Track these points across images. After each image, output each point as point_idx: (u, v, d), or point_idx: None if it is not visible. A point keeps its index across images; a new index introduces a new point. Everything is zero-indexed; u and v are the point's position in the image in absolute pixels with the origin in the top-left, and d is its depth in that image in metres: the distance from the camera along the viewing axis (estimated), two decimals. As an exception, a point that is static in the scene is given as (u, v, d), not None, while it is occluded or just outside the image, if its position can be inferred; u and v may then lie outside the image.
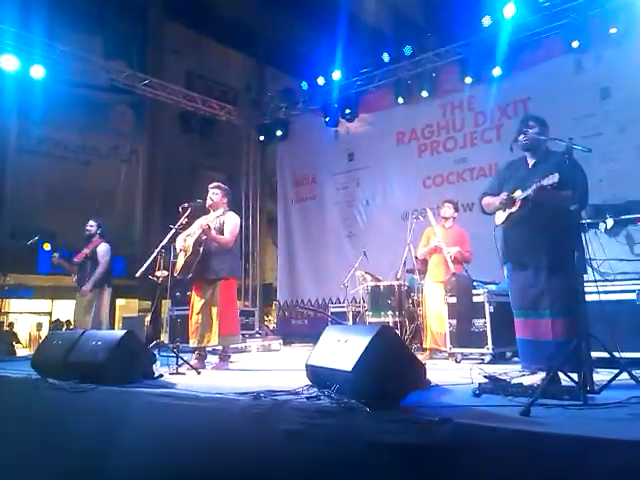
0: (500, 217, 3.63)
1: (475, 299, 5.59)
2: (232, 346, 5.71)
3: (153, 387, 3.54)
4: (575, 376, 2.91)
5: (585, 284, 3.32)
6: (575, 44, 7.92)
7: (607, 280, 4.44)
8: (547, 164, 3.40)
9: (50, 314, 16.23)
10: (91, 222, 6.88)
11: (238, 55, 17.11)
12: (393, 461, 2.28)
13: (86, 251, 6.63)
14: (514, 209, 3.49)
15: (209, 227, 5.12)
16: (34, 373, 4.19)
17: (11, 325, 14.62)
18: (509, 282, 3.67)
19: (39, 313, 16.29)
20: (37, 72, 9.09)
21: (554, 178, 3.15)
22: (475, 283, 5.77)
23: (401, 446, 2.28)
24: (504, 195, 3.53)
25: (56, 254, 6.70)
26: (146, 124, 15.22)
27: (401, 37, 10.03)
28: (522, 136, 3.59)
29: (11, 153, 12.74)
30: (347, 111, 10.54)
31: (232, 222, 5.39)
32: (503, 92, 8.70)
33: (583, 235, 3.29)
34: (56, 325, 13.88)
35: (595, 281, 3.59)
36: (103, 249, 6.66)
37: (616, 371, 3.07)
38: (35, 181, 12.99)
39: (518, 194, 3.48)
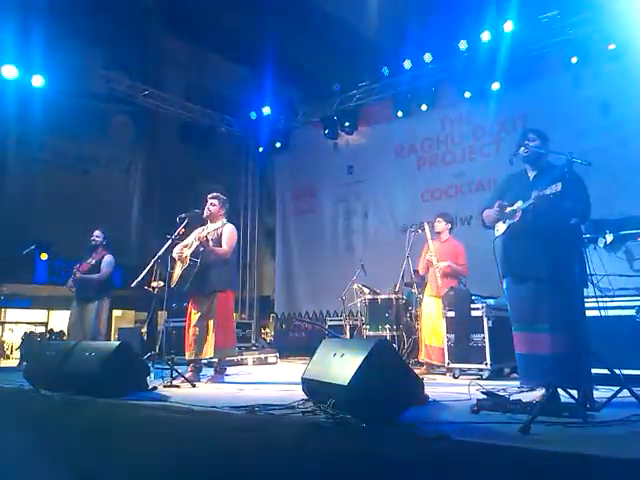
0: (500, 228, 3.60)
1: (473, 313, 5.54)
2: (228, 359, 5.66)
3: (146, 400, 3.49)
4: (575, 393, 2.87)
5: (585, 299, 3.30)
6: (574, 60, 7.97)
7: (606, 296, 4.40)
8: (548, 176, 3.37)
9: (46, 324, 16.15)
10: (97, 232, 6.78)
11: (238, 68, 17.18)
12: (390, 478, 2.23)
13: (92, 261, 6.56)
14: (515, 220, 3.46)
15: (207, 239, 5.10)
16: (26, 384, 4.14)
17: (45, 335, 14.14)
18: (508, 295, 3.63)
19: (35, 323, 16.21)
20: (37, 81, 9.11)
21: (557, 187, 3.12)
22: (474, 297, 5.72)
23: (398, 463, 2.23)
24: (496, 205, 3.52)
25: (77, 272, 6.55)
26: (145, 135, 15.22)
27: (400, 51, 10.04)
28: (523, 148, 3.57)
29: (10, 161, 12.72)
30: (346, 124, 10.57)
31: (230, 234, 5.37)
32: (502, 106, 8.74)
33: (583, 249, 3.26)
34: (50, 336, 13.77)
35: (595, 297, 3.55)
36: (108, 260, 6.57)
37: (616, 388, 3.02)
38: (33, 190, 12.96)
39: (519, 205, 3.45)
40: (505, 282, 3.64)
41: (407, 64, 9.47)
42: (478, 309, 5.52)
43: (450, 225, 6.30)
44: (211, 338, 5.11)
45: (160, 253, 5.14)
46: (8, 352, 15.36)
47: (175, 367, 4.64)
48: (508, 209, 3.53)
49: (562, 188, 3.12)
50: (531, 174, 3.62)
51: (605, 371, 3.10)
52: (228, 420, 2.93)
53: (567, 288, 3.24)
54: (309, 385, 3.11)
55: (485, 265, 5.90)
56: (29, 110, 11.69)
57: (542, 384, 3.29)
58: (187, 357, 5.23)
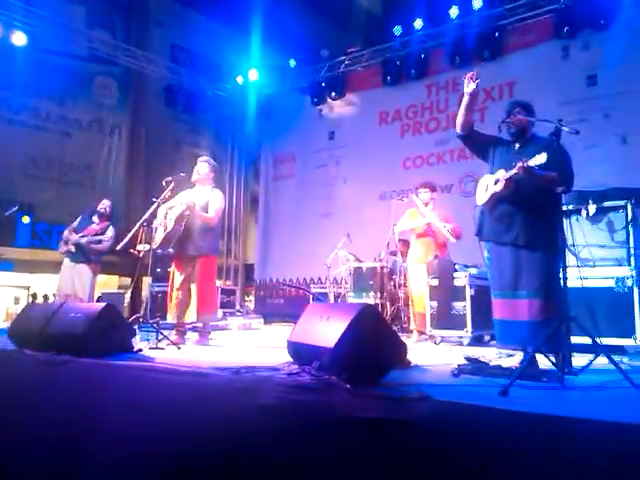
0: (482, 197, 3.63)
1: (456, 282, 5.61)
2: (212, 323, 5.69)
3: (132, 360, 3.51)
4: (553, 358, 2.94)
5: (564, 268, 3.35)
6: (563, 30, 7.95)
7: (587, 266, 4.49)
8: (534, 147, 3.40)
9: (28, 288, 16.04)
10: (106, 201, 6.93)
11: (225, 30, 16.81)
12: (372, 437, 2.29)
13: (97, 229, 6.68)
14: (498, 189, 3.49)
15: (194, 204, 5.08)
16: (10, 344, 4.14)
17: None
18: (489, 262, 3.68)
19: (17, 287, 16.09)
20: (18, 39, 8.88)
21: (541, 158, 3.14)
22: (457, 266, 5.78)
23: (381, 422, 2.28)
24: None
25: (84, 237, 6.61)
26: (129, 97, 14.91)
27: (391, 17, 9.93)
28: (509, 122, 3.57)
29: (-11, 122, 12.42)
30: (333, 91, 10.48)
31: (218, 201, 5.34)
32: (489, 75, 8.67)
33: (565, 220, 3.31)
34: (34, 300, 13.71)
35: (578, 266, 3.61)
36: (111, 234, 6.69)
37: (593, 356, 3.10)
38: (13, 151, 12.67)
39: (502, 174, 3.47)
40: (486, 249, 3.69)
41: (397, 30, 9.37)
42: (461, 278, 5.59)
43: (434, 193, 6.27)
44: (193, 302, 5.14)
45: (145, 216, 5.10)
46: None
47: (160, 330, 4.66)
48: (493, 177, 3.55)
49: (547, 158, 3.14)
50: (517, 145, 3.63)
51: (583, 340, 3.18)
52: (213, 381, 2.96)
53: (546, 255, 3.30)
54: (294, 348, 3.15)
55: (465, 233, 5.99)
56: (9, 69, 11.38)
57: (519, 348, 3.37)
58: (169, 320, 5.27)
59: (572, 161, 3.39)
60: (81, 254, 6.58)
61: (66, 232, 6.74)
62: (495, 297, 3.61)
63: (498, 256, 3.56)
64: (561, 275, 3.04)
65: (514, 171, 3.35)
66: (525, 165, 3.26)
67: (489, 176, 3.64)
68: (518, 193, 3.42)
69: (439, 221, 5.96)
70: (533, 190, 3.37)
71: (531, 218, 3.39)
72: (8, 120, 12.56)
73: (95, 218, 6.78)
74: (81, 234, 6.58)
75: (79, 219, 6.80)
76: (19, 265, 14.61)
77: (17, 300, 15.53)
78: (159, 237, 5.12)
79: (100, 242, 6.58)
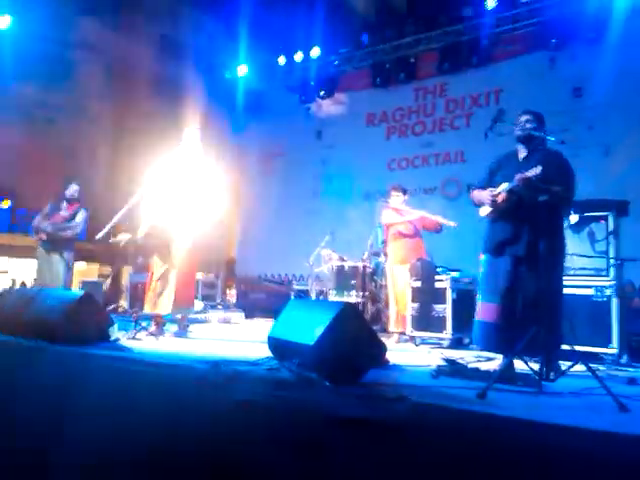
0: (485, 209, 3.62)
1: (438, 285, 5.63)
2: (192, 316, 5.65)
3: (109, 349, 3.48)
4: (532, 364, 2.97)
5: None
6: (551, 41, 8.07)
7: (567, 275, 4.52)
8: (535, 160, 3.37)
9: (6, 273, 15.78)
10: (75, 186, 6.69)
11: (215, 24, 16.70)
12: (349, 435, 2.29)
13: (65, 214, 6.48)
14: (499, 201, 3.49)
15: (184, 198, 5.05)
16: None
17: None
18: (485, 267, 3.62)
19: (-7, 271, 15.83)
20: (3, 22, 8.74)
21: (537, 170, 3.16)
22: (440, 269, 5.80)
23: (358, 421, 2.29)
24: (489, 195, 3.53)
25: (50, 225, 6.42)
26: (116, 86, 14.77)
27: (383, 21, 9.97)
28: (518, 127, 3.57)
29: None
30: (322, 90, 10.49)
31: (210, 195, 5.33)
32: (477, 82, 8.81)
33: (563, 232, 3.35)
34: (13, 285, 13.49)
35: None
36: (84, 215, 6.53)
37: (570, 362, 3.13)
38: (-6, 136, 12.47)
39: (504, 187, 3.47)
40: (485, 256, 3.65)
41: (388, 34, 9.42)
42: (442, 281, 5.60)
43: (406, 196, 6.22)
44: (170, 294, 5.10)
45: (128, 206, 5.04)
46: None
47: (139, 321, 4.61)
48: (495, 191, 3.54)
49: (546, 171, 3.15)
50: (522, 155, 3.61)
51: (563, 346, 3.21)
52: (191, 374, 2.94)
53: (545, 269, 3.27)
54: (275, 343, 3.14)
55: (448, 237, 6.02)
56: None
57: (498, 351, 3.39)
58: (146, 310, 5.22)
59: (574, 174, 3.40)
60: (53, 243, 6.40)
61: (36, 220, 6.53)
62: (483, 301, 3.55)
63: (496, 264, 3.52)
64: (556, 287, 3.07)
65: (514, 183, 3.35)
66: (523, 176, 3.27)
67: (493, 190, 3.62)
68: (520, 205, 3.42)
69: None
70: (535, 204, 3.34)
71: (533, 232, 3.34)
72: (-11, 104, 12.33)
73: (64, 204, 6.58)
74: (51, 222, 6.42)
75: (49, 206, 6.61)
76: (-4, 249, 14.39)
77: (-6, 285, 15.27)
78: (143, 227, 5.08)
79: (70, 228, 6.44)
